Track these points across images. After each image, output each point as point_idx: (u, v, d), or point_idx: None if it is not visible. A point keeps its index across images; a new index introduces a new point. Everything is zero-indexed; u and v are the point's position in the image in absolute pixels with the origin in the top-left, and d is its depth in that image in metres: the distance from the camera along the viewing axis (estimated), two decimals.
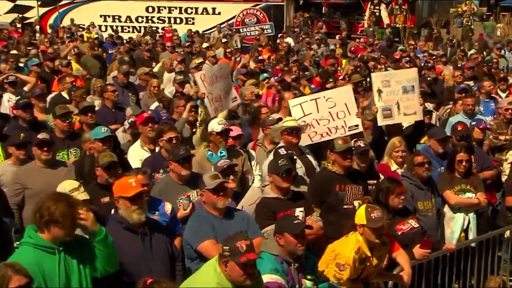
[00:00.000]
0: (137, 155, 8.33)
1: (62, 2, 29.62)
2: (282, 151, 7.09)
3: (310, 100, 8.89)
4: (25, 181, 7.19)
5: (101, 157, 6.84)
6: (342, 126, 8.50)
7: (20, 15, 29.07)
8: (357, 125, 8.84)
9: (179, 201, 6.81)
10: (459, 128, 8.79)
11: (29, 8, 29.61)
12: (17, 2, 29.66)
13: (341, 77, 13.02)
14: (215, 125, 7.77)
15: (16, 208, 7.13)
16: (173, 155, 6.99)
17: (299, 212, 6.56)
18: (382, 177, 7.65)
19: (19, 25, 26.74)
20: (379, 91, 9.23)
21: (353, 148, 7.28)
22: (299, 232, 5.43)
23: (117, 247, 5.39)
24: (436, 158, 8.27)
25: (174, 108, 10.01)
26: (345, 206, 7.03)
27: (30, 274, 4.40)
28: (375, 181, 7.51)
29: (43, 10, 29.63)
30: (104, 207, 6.50)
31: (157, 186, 6.94)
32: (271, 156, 7.87)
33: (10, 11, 29.47)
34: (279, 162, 6.54)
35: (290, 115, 9.52)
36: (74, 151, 8.46)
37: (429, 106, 9.88)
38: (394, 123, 9.28)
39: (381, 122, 9.19)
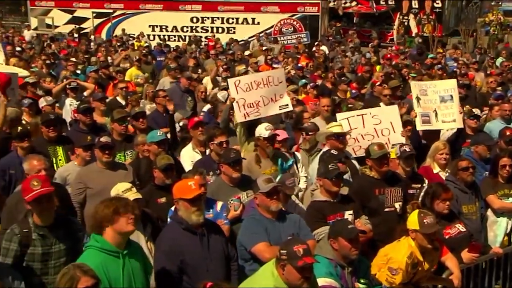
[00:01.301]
0: (188, 157, 8.14)
1: (115, 14, 29.71)
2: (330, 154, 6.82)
3: (357, 115, 8.57)
4: (87, 181, 7.05)
5: (158, 159, 6.69)
6: (386, 143, 8.13)
7: (77, 26, 29.30)
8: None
9: (230, 203, 6.59)
10: (508, 133, 8.35)
11: (85, 19, 29.86)
12: (75, 14, 29.93)
13: (378, 83, 12.61)
14: (263, 130, 7.51)
15: (78, 207, 6.98)
16: (225, 158, 6.77)
17: (348, 215, 6.28)
18: (426, 180, 7.30)
19: (76, 35, 26.86)
20: (418, 98, 8.90)
21: (387, 154, 6.95)
22: (353, 236, 5.13)
23: (177, 247, 5.24)
24: (480, 163, 7.88)
25: (218, 112, 9.81)
26: (386, 209, 6.73)
27: (97, 276, 4.25)
28: (419, 185, 7.17)
29: (97, 21, 29.81)
30: (161, 207, 6.41)
31: (209, 188, 6.70)
32: (316, 160, 7.65)
33: (68, 22, 29.79)
34: (330, 166, 6.24)
35: (328, 119, 9.27)
36: (130, 152, 8.30)
37: (477, 111, 9.44)
38: (432, 129, 8.91)
39: (419, 127, 8.90)
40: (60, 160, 7.74)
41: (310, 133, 8.27)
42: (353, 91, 11.93)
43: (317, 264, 4.88)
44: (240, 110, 8.65)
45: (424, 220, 5.29)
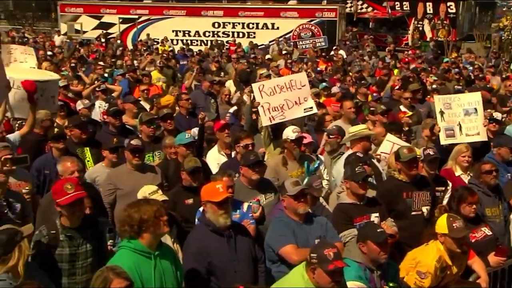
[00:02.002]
0: (214, 159, 8.00)
1: (140, 19, 29.75)
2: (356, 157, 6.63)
3: None
4: (117, 182, 6.93)
5: (186, 162, 6.56)
6: None
7: (104, 31, 29.38)
8: None
9: (249, 205, 6.41)
10: None
11: (112, 25, 29.94)
12: (102, 20, 30.04)
13: (397, 86, 12.37)
14: (290, 133, 7.34)
15: (109, 207, 6.88)
16: (244, 160, 6.62)
17: (374, 217, 6.07)
18: (450, 183, 7.08)
19: (103, 40, 26.89)
20: (441, 113, 8.59)
21: (418, 157, 6.76)
22: (382, 240, 4.94)
23: (204, 248, 5.12)
24: (502, 165, 7.61)
25: (242, 115, 9.64)
26: (413, 213, 6.49)
27: (130, 278, 4.13)
28: (443, 188, 6.95)
29: (123, 26, 29.86)
30: (188, 208, 6.31)
31: None
32: (339, 162, 7.47)
33: (96, 28, 29.89)
34: (357, 169, 6.05)
35: (350, 122, 9.09)
36: (159, 153, 8.18)
37: (497, 115, 9.18)
38: (456, 142, 8.59)
39: (443, 141, 8.48)
40: (88, 161, 7.64)
41: (332, 136, 8.08)
42: (374, 94, 11.70)
43: (346, 268, 4.71)
44: (265, 113, 8.49)
45: (454, 224, 5.09)
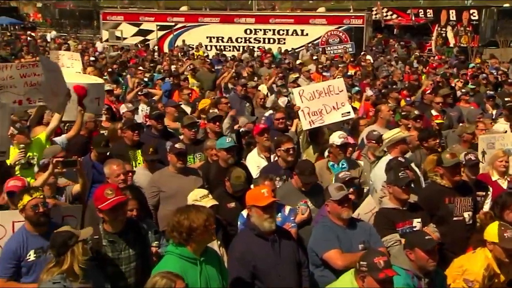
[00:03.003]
0: (254, 162, 7.73)
1: (176, 26, 29.69)
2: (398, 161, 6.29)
3: None
4: (160, 185, 6.72)
5: (234, 177, 6.21)
6: None
7: (143, 38, 29.42)
8: None
9: (298, 207, 6.16)
10: None
11: (150, 31, 29.96)
12: (141, 27, 30.10)
13: (429, 91, 11.94)
14: (336, 138, 7.05)
15: (153, 209, 6.66)
16: (299, 169, 6.34)
17: (416, 222, 5.73)
18: (490, 188, 6.69)
19: (142, 46, 26.91)
20: (483, 153, 7.98)
21: (463, 162, 6.39)
22: (431, 248, 4.59)
23: (249, 252, 4.88)
24: None
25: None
26: (455, 218, 6.11)
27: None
28: (483, 193, 6.57)
29: (161, 33, 29.83)
30: (230, 212, 6.07)
31: (278, 192, 6.28)
32: (378, 166, 7.15)
33: (135, 34, 30.00)
34: (400, 174, 5.71)
35: (386, 126, 8.76)
36: (199, 155, 7.96)
37: None
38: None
39: None
40: (139, 163, 7.44)
41: (373, 141, 7.75)
42: (407, 98, 11.29)
43: (395, 275, 4.39)
44: (305, 118, 8.24)
45: (505, 234, 4.72)
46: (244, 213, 5.86)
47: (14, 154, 6.91)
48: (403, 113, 9.77)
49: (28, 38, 29.47)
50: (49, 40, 29.93)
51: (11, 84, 7.60)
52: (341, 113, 8.54)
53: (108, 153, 7.38)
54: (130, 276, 4.91)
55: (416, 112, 9.30)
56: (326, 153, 7.46)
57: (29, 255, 4.73)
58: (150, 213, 6.50)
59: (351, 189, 5.99)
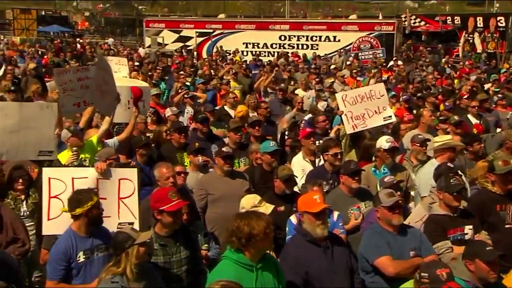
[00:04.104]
0: (299, 165, 7.37)
1: (214, 33, 29.57)
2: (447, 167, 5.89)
3: None
4: (208, 187, 6.46)
5: (280, 170, 6.02)
6: None
7: (183, 44, 29.42)
8: None
9: (350, 212, 5.84)
10: None
11: (189, 38, 29.91)
12: (181, 34, 30.09)
13: (466, 96, 11.44)
14: (383, 142, 6.67)
15: (200, 211, 6.41)
16: (345, 169, 6.02)
17: (468, 229, 5.32)
18: None
19: (183, 52, 26.84)
20: None
21: None
22: (492, 259, 4.22)
23: (302, 259, 4.59)
24: None
25: (315, 123, 9.00)
26: (507, 226, 5.69)
27: None
28: None
29: (199, 39, 29.75)
30: (280, 215, 5.71)
31: (328, 198, 5.95)
32: (423, 171, 6.76)
33: (175, 41, 29.99)
34: (452, 181, 5.32)
35: (427, 131, 8.35)
36: (244, 159, 7.68)
37: None
38: None
39: None
40: (186, 166, 7.19)
41: (417, 144, 7.35)
42: (446, 103, 10.80)
43: None
44: (348, 122, 7.89)
45: None
46: (293, 218, 5.57)
47: (67, 156, 6.76)
48: (441, 118, 9.33)
49: (77, 45, 29.76)
50: (111, 45, 30.36)
51: (71, 87, 7.59)
52: (382, 117, 8.17)
53: (156, 156, 7.19)
54: (182, 280, 4.71)
55: (456, 117, 8.86)
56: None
57: (79, 257, 4.54)
58: (199, 215, 6.25)
59: (398, 193, 5.64)
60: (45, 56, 21.93)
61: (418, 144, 7.30)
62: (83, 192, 4.66)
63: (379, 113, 8.11)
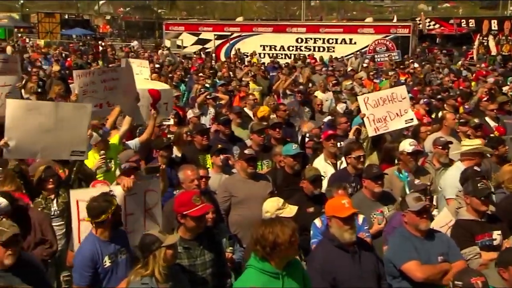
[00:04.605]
0: (321, 167, 7.12)
1: (232, 36, 29.46)
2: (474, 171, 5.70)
3: None
4: (231, 190, 6.32)
5: (307, 171, 5.95)
6: None
7: (201, 46, 29.37)
8: None
9: (373, 216, 5.65)
10: None
11: (208, 40, 29.84)
12: (200, 36, 30.04)
13: (485, 98, 11.16)
14: (407, 146, 6.47)
15: (224, 214, 6.27)
16: (367, 173, 5.83)
17: (497, 235, 5.14)
18: None
19: (201, 54, 26.79)
20: None
21: None
22: None
23: (329, 264, 4.43)
24: None
25: (337, 125, 8.83)
26: None
27: None
28: None
29: (218, 42, 29.67)
30: (309, 217, 5.60)
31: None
32: (448, 173, 6.55)
33: (194, 43, 29.95)
34: (479, 185, 5.12)
35: (450, 134, 8.13)
36: (267, 162, 7.51)
37: None
38: None
39: None
40: (208, 168, 7.07)
41: (439, 147, 7.14)
42: (466, 106, 10.54)
43: None
44: (370, 124, 7.70)
45: None
46: (317, 222, 5.42)
47: (93, 159, 6.72)
48: (461, 121, 9.09)
49: (100, 48, 29.86)
50: (135, 47, 30.42)
51: (92, 89, 7.58)
52: (404, 119, 7.96)
53: (180, 158, 7.08)
54: (207, 282, 4.59)
55: (476, 120, 8.62)
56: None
57: (105, 261, 4.46)
58: (222, 217, 6.11)
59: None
60: (69, 59, 22.00)
61: (440, 147, 7.10)
62: (101, 198, 4.59)
63: (401, 115, 7.91)
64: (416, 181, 5.62)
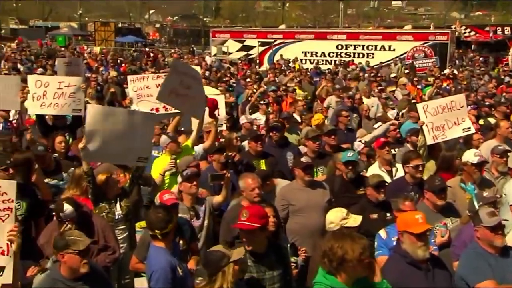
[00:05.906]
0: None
1: (275, 42, 29.06)
2: None
3: None
4: (289, 198, 5.88)
5: (370, 177, 5.56)
6: None
7: (246, 52, 29.11)
8: None
9: (436, 228, 5.11)
10: None
11: (252, 47, 29.51)
12: (245, 43, 29.75)
13: None
14: (471, 156, 5.92)
15: (282, 222, 5.81)
16: (429, 186, 5.34)
17: None
18: None
19: (247, 60, 26.53)
20: None
21: None
22: None
23: (402, 282, 3.93)
24: None
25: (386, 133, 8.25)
26: None
27: None
28: None
29: (261, 48, 29.33)
30: (373, 223, 5.21)
31: None
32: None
33: (239, 50, 29.67)
34: None
35: (505, 142, 7.49)
36: (322, 169, 7.03)
37: None
38: None
39: None
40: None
41: (497, 155, 6.54)
42: None
43: None
44: (429, 132, 7.14)
45: None
46: (382, 233, 4.94)
47: (164, 162, 6.46)
48: None
49: (151, 54, 29.98)
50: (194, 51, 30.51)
51: (147, 93, 7.32)
52: (462, 128, 7.37)
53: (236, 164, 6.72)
54: None
55: None
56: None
57: (179, 272, 4.13)
58: (282, 225, 5.69)
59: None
60: (123, 65, 22.05)
61: (498, 156, 6.53)
62: (162, 209, 4.35)
63: (458, 124, 7.32)
64: (484, 193, 5.06)
